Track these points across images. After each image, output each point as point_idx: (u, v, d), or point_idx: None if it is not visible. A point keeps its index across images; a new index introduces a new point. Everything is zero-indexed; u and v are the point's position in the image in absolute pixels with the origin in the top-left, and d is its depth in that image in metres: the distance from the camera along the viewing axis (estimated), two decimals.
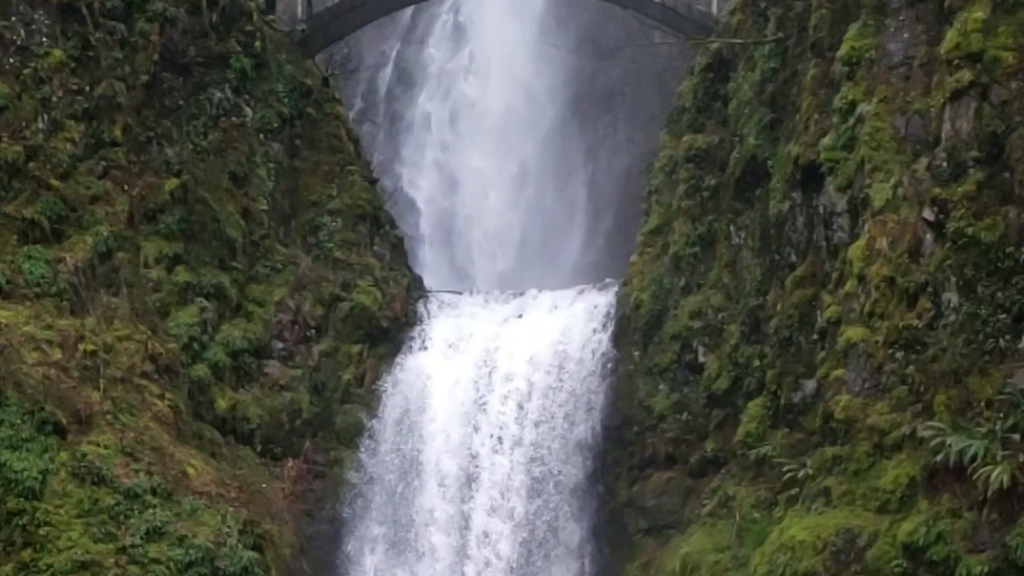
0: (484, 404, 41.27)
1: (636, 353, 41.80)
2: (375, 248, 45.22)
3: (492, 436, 40.86)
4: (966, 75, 33.19)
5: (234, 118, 43.05)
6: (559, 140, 60.71)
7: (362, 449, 41.32)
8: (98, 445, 35.23)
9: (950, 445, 31.03)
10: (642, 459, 40.77)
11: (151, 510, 34.66)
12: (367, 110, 62.20)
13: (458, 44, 63.03)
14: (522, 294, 45.46)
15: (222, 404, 40.13)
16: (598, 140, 60.52)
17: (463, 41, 62.99)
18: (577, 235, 59.48)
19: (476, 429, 41.01)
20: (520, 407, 41.22)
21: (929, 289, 33.08)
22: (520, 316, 43.90)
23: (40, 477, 33.85)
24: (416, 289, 45.53)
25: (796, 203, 38.09)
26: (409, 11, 61.99)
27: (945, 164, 33.43)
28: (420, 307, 44.49)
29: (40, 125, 38.99)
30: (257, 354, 41.45)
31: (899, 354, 33.34)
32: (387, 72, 63.19)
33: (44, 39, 39.48)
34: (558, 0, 61.10)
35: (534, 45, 60.54)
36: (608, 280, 45.35)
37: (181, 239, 40.73)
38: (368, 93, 62.88)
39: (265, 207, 43.16)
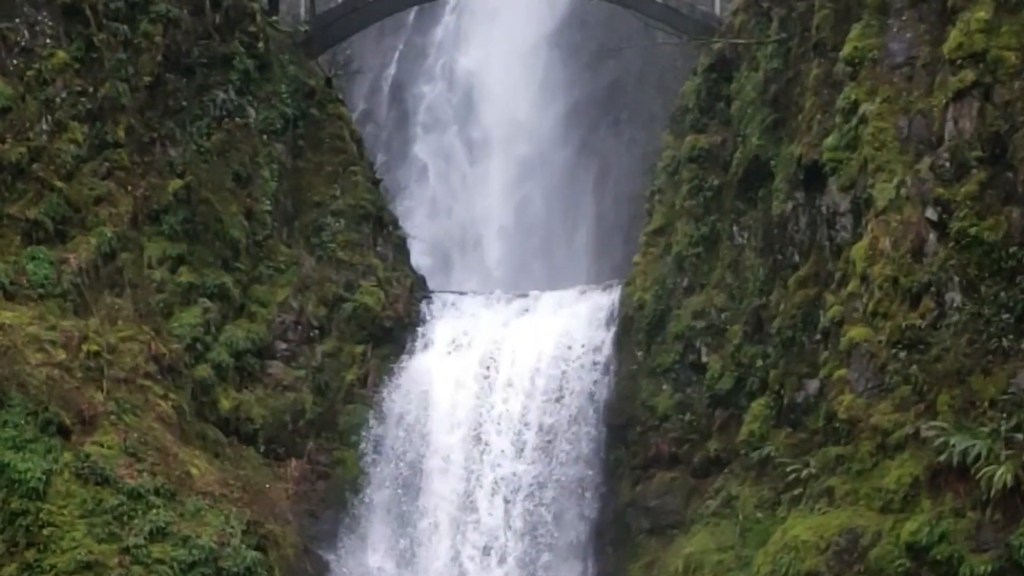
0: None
1: (639, 353, 41.81)
2: (378, 248, 45.21)
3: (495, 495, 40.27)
4: (969, 75, 33.17)
5: (237, 119, 43.06)
6: (567, 184, 59.20)
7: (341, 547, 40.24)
8: (101, 446, 35.17)
9: (953, 445, 31.00)
10: (645, 459, 40.76)
11: (154, 510, 34.59)
12: (370, 111, 61.98)
13: (454, 83, 61.28)
14: (525, 295, 45.47)
15: (225, 404, 40.12)
16: (605, 164, 58.85)
17: (462, 79, 61.29)
18: (580, 269, 57.94)
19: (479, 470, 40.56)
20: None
21: (932, 289, 33.07)
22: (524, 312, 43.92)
23: (44, 477, 33.78)
24: (419, 289, 45.54)
25: (799, 203, 38.09)
26: (410, 23, 61.55)
27: (948, 164, 33.41)
28: (423, 307, 44.52)
29: (44, 126, 38.96)
30: (260, 354, 41.46)
31: (902, 354, 33.31)
32: (390, 71, 62.60)
33: (48, 40, 39.46)
34: (565, 16, 60.23)
35: (541, 68, 59.57)
36: (611, 281, 45.36)
37: (184, 240, 40.71)
38: (371, 94, 62.60)
39: (268, 208, 43.17)
